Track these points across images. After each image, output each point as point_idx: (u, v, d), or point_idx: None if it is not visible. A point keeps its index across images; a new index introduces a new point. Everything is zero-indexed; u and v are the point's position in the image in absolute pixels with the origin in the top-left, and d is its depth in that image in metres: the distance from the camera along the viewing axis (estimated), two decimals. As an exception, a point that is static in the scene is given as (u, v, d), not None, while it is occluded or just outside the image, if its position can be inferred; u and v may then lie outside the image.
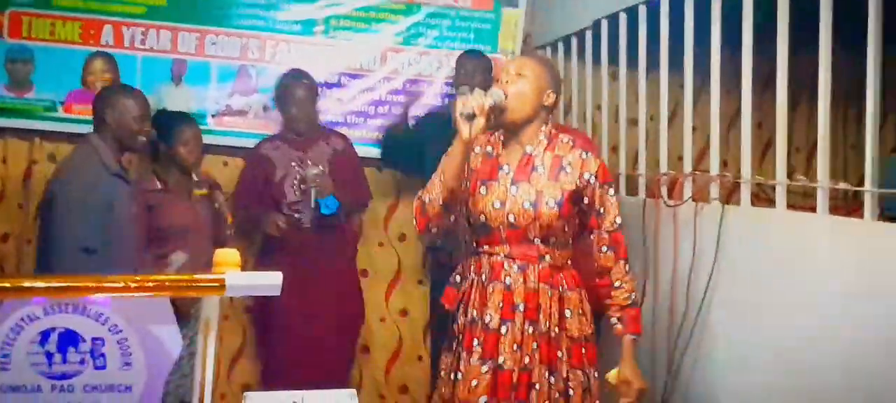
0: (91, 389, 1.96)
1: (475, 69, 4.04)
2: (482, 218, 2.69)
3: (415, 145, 4.10)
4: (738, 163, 3.09)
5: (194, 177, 3.89)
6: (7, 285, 1.92)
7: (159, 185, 3.73)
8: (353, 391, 2.39)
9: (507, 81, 2.65)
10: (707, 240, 3.07)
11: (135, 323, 1.99)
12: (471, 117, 2.49)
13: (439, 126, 3.96)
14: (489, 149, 2.76)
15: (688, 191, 3.27)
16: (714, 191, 3.15)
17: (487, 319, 2.66)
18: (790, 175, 2.81)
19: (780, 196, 2.80)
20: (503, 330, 2.64)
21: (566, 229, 2.70)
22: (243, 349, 4.51)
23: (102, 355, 1.96)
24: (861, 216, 2.54)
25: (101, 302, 1.96)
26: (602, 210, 2.67)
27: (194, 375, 2.09)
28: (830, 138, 2.58)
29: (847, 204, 3.29)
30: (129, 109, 3.40)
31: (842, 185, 2.60)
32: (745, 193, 3.00)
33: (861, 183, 2.61)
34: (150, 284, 1.96)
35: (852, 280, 2.42)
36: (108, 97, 3.45)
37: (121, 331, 1.97)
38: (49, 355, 1.94)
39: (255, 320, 4.29)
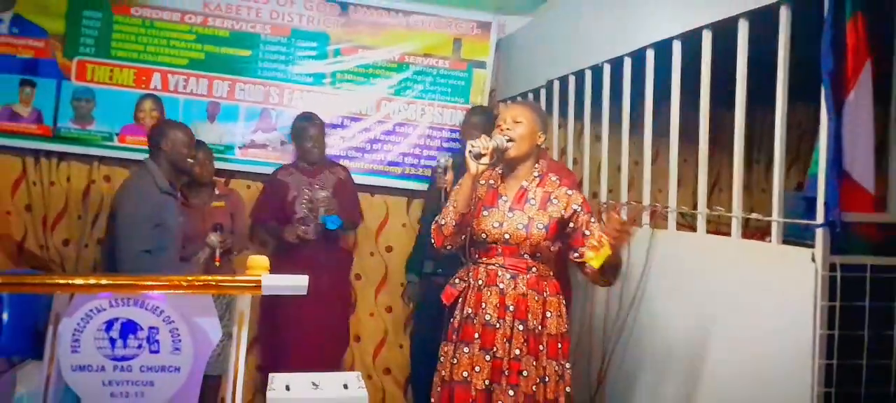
0: (146, 369, 1.90)
1: (483, 120, 3.94)
2: (483, 235, 2.70)
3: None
4: (657, 197, 3.07)
5: (216, 191, 3.92)
6: (79, 282, 1.84)
7: (182, 199, 3.74)
8: (359, 373, 2.34)
9: (508, 128, 2.67)
10: (638, 257, 3.03)
11: (184, 315, 1.92)
12: (478, 157, 2.54)
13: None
14: (491, 181, 2.77)
15: (624, 216, 3.23)
16: (645, 217, 3.11)
17: (487, 317, 2.63)
18: (711, 208, 2.79)
19: (701, 222, 2.78)
20: (498, 325, 2.61)
21: (550, 248, 2.70)
22: (257, 337, 4.39)
23: (157, 341, 1.90)
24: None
25: (156, 297, 1.89)
26: (587, 232, 2.65)
27: (229, 355, 2.04)
28: (746, 180, 2.57)
29: (753, 235, 3.29)
30: (180, 139, 3.45)
31: (753, 215, 2.56)
32: (671, 220, 2.97)
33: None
34: (198, 283, 1.90)
35: (760, 291, 2.39)
36: (163, 129, 3.49)
37: (173, 322, 1.90)
38: (112, 341, 1.88)
39: (265, 313, 4.18)
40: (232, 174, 4.36)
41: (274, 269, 3.89)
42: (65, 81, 4.12)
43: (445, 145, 4.55)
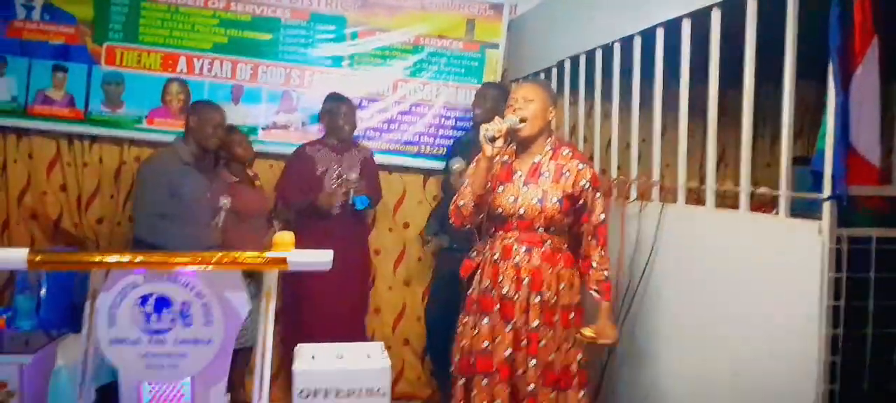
0: (180, 342, 1.92)
1: (497, 97, 3.97)
2: (499, 210, 2.70)
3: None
4: (676, 171, 3.04)
5: (250, 172, 3.92)
6: (117, 259, 1.85)
7: (235, 178, 3.82)
8: (382, 344, 2.35)
9: (520, 107, 2.65)
10: (648, 232, 3.02)
11: (214, 290, 1.93)
12: (492, 139, 2.53)
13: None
14: (506, 158, 2.77)
15: (634, 193, 3.22)
16: (655, 192, 3.10)
17: (505, 290, 2.64)
18: (716, 181, 2.77)
19: (710, 197, 2.75)
20: (516, 298, 2.62)
21: (564, 221, 2.68)
22: (282, 310, 4.41)
23: (189, 315, 1.91)
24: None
25: (188, 273, 1.90)
26: (591, 209, 2.66)
27: (257, 328, 2.05)
28: (751, 154, 2.55)
29: (762, 208, 3.26)
30: (206, 118, 3.58)
31: (762, 189, 2.54)
32: (681, 195, 2.95)
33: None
34: (227, 260, 1.90)
35: (767, 263, 2.37)
36: (195, 107, 3.68)
37: (204, 297, 1.91)
38: (147, 315, 1.89)
39: (289, 287, 4.20)
40: (255, 154, 4.35)
41: (298, 245, 3.97)
42: (95, 66, 4.12)
43: (460, 124, 4.54)
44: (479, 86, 4.36)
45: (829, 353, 2.14)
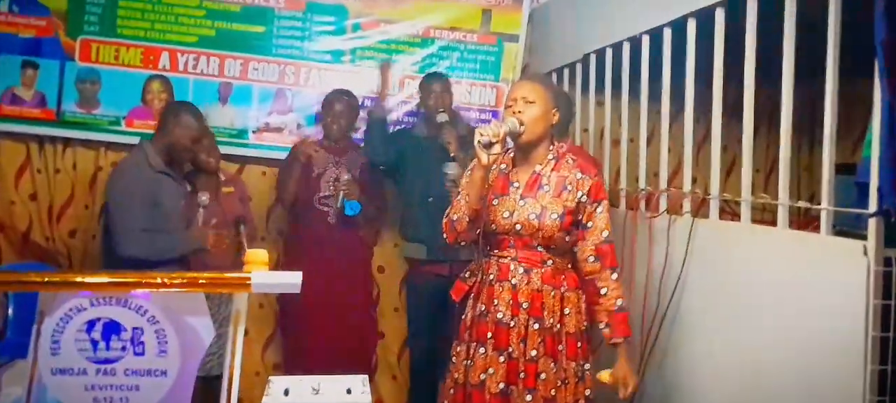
0: (131, 373, 1.90)
1: (444, 91, 4.02)
2: (493, 226, 2.65)
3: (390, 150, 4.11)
4: (706, 181, 3.00)
5: (221, 177, 3.94)
6: (57, 279, 1.85)
7: (188, 188, 3.78)
8: (366, 377, 2.33)
9: (520, 111, 2.60)
10: (678, 249, 2.98)
11: (171, 314, 1.92)
12: (488, 146, 2.46)
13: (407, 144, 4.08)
14: (503, 166, 2.73)
15: (663, 205, 3.18)
16: (686, 205, 3.05)
17: (499, 315, 2.62)
18: (752, 193, 2.72)
19: (745, 211, 2.71)
20: (512, 324, 2.58)
21: (566, 239, 2.65)
22: (276, 332, 4.44)
23: (141, 343, 1.90)
24: (812, 230, 2.47)
25: (141, 295, 1.89)
26: (589, 224, 2.63)
27: (225, 354, 2.04)
28: (800, 161, 2.50)
29: (799, 220, 3.20)
30: (189, 126, 3.53)
31: (801, 203, 2.49)
32: (714, 208, 2.91)
33: (811, 201, 2.53)
34: (185, 280, 1.89)
35: (808, 286, 2.32)
36: (172, 108, 3.61)
37: (158, 322, 1.90)
38: (94, 342, 1.88)
39: (283, 307, 4.21)
40: (245, 160, 4.39)
41: (289, 258, 3.99)
42: (68, 62, 4.18)
43: (473, 127, 4.49)
44: (498, 84, 4.35)
45: (876, 392, 2.08)
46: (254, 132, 4.38)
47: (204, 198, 3.59)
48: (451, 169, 3.48)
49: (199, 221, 3.61)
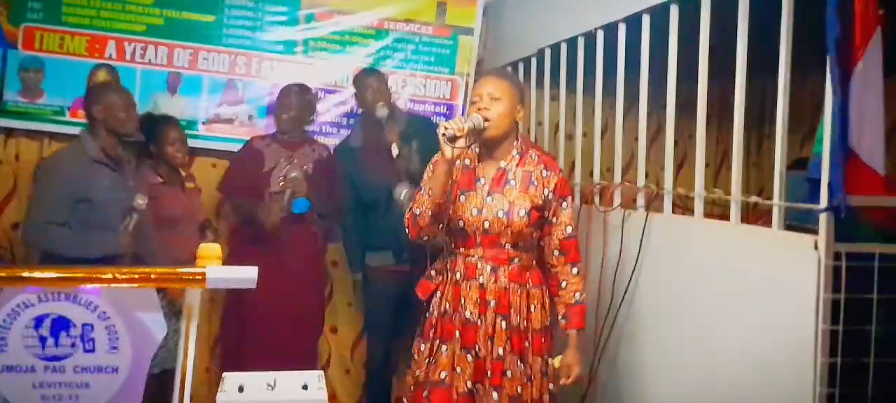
0: (81, 370, 1.87)
1: (381, 85, 4.00)
2: (461, 223, 2.66)
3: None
4: (658, 175, 3.04)
5: (183, 173, 3.86)
6: (3, 275, 1.81)
7: (160, 179, 3.69)
8: (321, 372, 2.31)
9: (485, 107, 2.61)
10: (632, 242, 3.02)
11: (122, 310, 1.89)
12: (452, 139, 2.47)
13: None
14: (467, 162, 2.72)
15: (617, 200, 3.21)
16: (640, 199, 3.09)
17: (467, 314, 2.62)
18: (704, 188, 2.77)
19: (699, 206, 2.75)
20: (479, 322, 2.59)
21: (533, 235, 2.68)
22: (221, 330, 4.37)
23: (92, 339, 1.87)
24: (763, 225, 2.52)
25: (91, 291, 1.86)
26: (555, 219, 2.67)
27: (178, 351, 2.01)
28: (754, 157, 2.55)
29: (750, 215, 3.27)
30: (115, 102, 3.37)
31: (753, 198, 2.54)
32: (667, 202, 2.95)
33: (760, 195, 2.59)
34: (136, 276, 1.86)
35: (760, 280, 2.37)
36: (94, 95, 3.42)
37: (109, 318, 1.87)
38: (42, 339, 1.85)
39: (230, 302, 4.14)
40: (195, 151, 4.30)
41: (237, 251, 3.93)
42: (11, 50, 4.06)
43: (412, 118, 4.49)
44: (453, 76, 4.35)
45: (826, 384, 2.13)
46: (204, 123, 4.31)
47: (140, 201, 3.44)
48: (402, 193, 3.49)
49: (130, 225, 3.43)
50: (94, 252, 3.26)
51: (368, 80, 3.99)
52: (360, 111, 4.16)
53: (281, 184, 3.88)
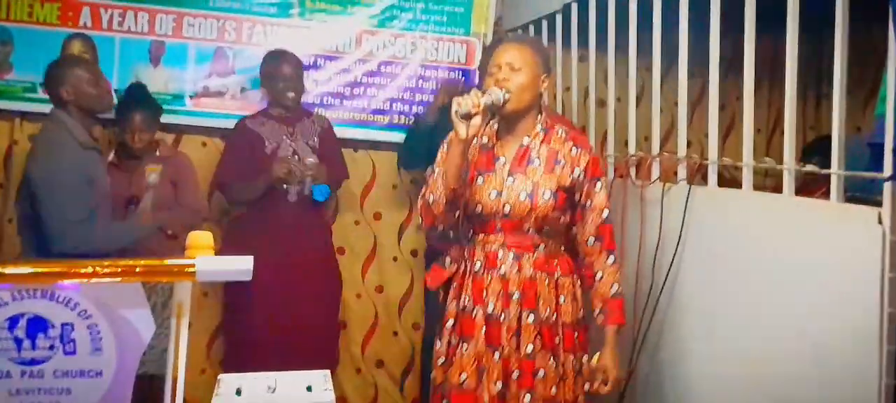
0: (61, 375, 1.89)
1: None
2: (478, 208, 2.65)
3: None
4: (701, 144, 3.04)
5: (156, 152, 3.90)
6: (-28, 271, 1.83)
7: (113, 158, 3.75)
8: (328, 372, 2.33)
9: (504, 77, 2.59)
10: (674, 220, 3.02)
11: (105, 307, 1.91)
12: (467, 117, 2.44)
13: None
14: (485, 139, 2.71)
15: (656, 172, 3.21)
16: (681, 171, 3.09)
17: (490, 309, 2.62)
18: (754, 156, 2.76)
19: (747, 177, 2.74)
20: (502, 318, 2.60)
21: (560, 220, 2.67)
22: (223, 325, 4.42)
23: (72, 340, 1.89)
24: (822, 197, 2.51)
25: (70, 287, 1.88)
26: (589, 203, 2.67)
27: (168, 352, 2.03)
28: (810, 120, 2.54)
29: (807, 186, 3.26)
30: (82, 79, 3.38)
31: (808, 167, 2.53)
32: (712, 174, 2.95)
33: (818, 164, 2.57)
34: (120, 269, 1.88)
35: (817, 258, 2.36)
36: (55, 73, 3.42)
37: (90, 316, 1.89)
38: (18, 341, 1.87)
39: (231, 294, 4.18)
40: (182, 129, 4.34)
41: (242, 242, 3.96)
42: (-26, 21, 4.09)
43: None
44: (468, 38, 4.35)
45: (892, 375, 2.14)
46: (191, 97, 4.32)
47: (153, 176, 3.50)
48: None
49: (148, 204, 3.52)
50: (125, 241, 3.39)
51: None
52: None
53: (293, 164, 3.91)
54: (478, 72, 4.25)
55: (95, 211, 3.33)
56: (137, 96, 3.85)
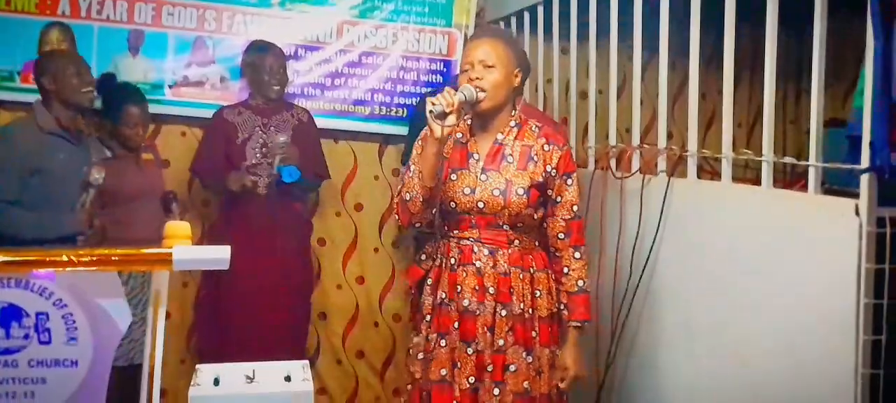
0: (36, 364, 1.89)
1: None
2: (452, 204, 2.65)
3: None
4: (682, 136, 3.04)
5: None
6: (-55, 259, 1.82)
7: (108, 154, 3.70)
8: (306, 362, 2.33)
9: (478, 77, 2.59)
10: (653, 212, 3.03)
11: (81, 296, 1.90)
12: (442, 116, 2.45)
13: None
14: (459, 135, 2.71)
15: (636, 164, 3.22)
16: (661, 163, 3.09)
17: (465, 303, 2.63)
18: (733, 149, 2.77)
19: (726, 169, 2.75)
20: (478, 312, 2.61)
21: (534, 216, 2.67)
22: (197, 316, 4.40)
23: (47, 330, 1.88)
24: (800, 189, 2.53)
25: (44, 276, 1.87)
26: (559, 198, 2.68)
27: (145, 340, 2.03)
28: (790, 114, 2.56)
29: (785, 178, 3.27)
30: (65, 69, 3.42)
31: (786, 159, 2.54)
32: (692, 166, 2.95)
33: (798, 157, 2.59)
34: (95, 258, 1.87)
35: (795, 249, 2.38)
36: (44, 65, 3.48)
37: (65, 306, 1.88)
38: (-8, 330, 1.86)
39: (207, 287, 4.17)
40: (162, 118, 4.31)
41: (216, 234, 3.96)
42: (-50, 9, 4.04)
43: (424, 78, 4.51)
44: (449, 29, 4.35)
45: (869, 364, 2.15)
46: (170, 87, 4.29)
47: (97, 175, 3.45)
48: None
49: (87, 202, 3.47)
50: (51, 232, 3.30)
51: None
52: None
53: (263, 151, 3.92)
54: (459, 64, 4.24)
55: (43, 199, 3.34)
56: (130, 91, 3.84)
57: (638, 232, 3.10)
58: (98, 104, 3.72)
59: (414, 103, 4.45)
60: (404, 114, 4.48)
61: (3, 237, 3.28)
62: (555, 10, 3.90)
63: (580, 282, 2.68)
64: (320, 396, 4.49)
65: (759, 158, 2.59)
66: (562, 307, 2.70)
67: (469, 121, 2.73)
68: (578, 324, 2.68)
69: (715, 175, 2.95)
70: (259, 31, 4.25)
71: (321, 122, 4.34)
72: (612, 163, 3.39)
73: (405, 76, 4.53)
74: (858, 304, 2.14)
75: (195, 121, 4.30)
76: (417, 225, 2.72)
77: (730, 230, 2.69)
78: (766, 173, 2.56)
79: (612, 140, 3.48)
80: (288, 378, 2.21)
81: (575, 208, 2.69)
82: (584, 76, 3.85)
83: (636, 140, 3.29)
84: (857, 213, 2.15)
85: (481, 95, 2.57)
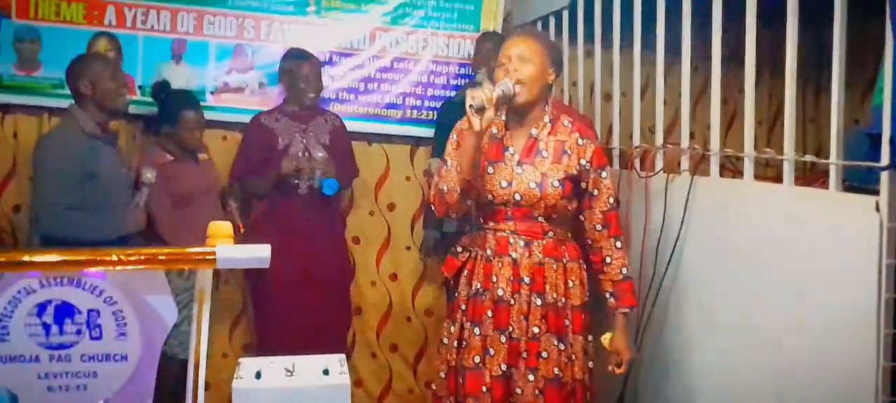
0: (88, 359, 1.91)
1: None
2: (489, 196, 2.66)
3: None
4: (704, 135, 3.02)
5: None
6: (3, 259, 1.84)
7: (170, 157, 3.77)
8: (343, 356, 2.34)
9: (514, 69, 2.60)
10: (676, 209, 3.01)
11: (130, 294, 1.92)
12: (480, 110, 2.46)
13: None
14: (494, 130, 2.73)
15: (659, 163, 3.20)
16: (684, 162, 3.07)
17: (499, 292, 2.64)
18: (755, 147, 2.75)
19: (748, 167, 2.73)
20: (512, 301, 2.61)
21: (568, 207, 2.69)
22: (243, 311, 4.44)
23: (98, 326, 1.90)
24: (821, 187, 2.50)
25: (95, 274, 1.89)
26: (595, 192, 2.69)
27: (191, 337, 2.05)
28: (810, 112, 2.53)
29: (805, 176, 3.24)
30: (101, 74, 3.44)
31: (807, 157, 2.51)
32: (714, 164, 2.93)
33: (818, 155, 2.56)
34: (143, 257, 1.89)
35: (816, 246, 2.35)
36: (77, 69, 3.48)
37: (115, 303, 1.90)
38: (46, 326, 1.88)
39: (252, 282, 4.20)
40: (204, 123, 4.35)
41: (255, 234, 3.98)
42: (4, 19, 4.09)
43: (453, 82, 4.51)
44: (477, 34, 4.35)
45: (889, 357, 2.12)
46: (212, 93, 4.33)
47: (149, 175, 3.51)
48: (437, 163, 3.51)
49: (141, 202, 3.52)
50: (111, 233, 3.36)
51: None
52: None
53: (304, 160, 3.96)
54: (472, 66, 4.26)
55: (97, 204, 3.36)
56: (186, 97, 3.93)
57: (662, 230, 3.08)
58: (132, 109, 3.80)
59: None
60: (435, 117, 4.47)
61: (66, 240, 3.29)
62: (579, 14, 3.89)
63: (624, 270, 2.71)
64: (356, 388, 4.52)
65: (781, 157, 2.57)
66: (607, 295, 2.71)
67: (504, 118, 2.73)
68: (626, 310, 2.71)
69: (737, 173, 2.92)
70: (296, 39, 4.28)
71: (355, 126, 4.39)
72: (637, 162, 3.37)
73: (435, 80, 4.55)
74: (879, 299, 2.12)
75: (235, 127, 4.33)
76: (452, 215, 2.75)
77: (752, 227, 2.67)
78: (788, 171, 2.53)
79: (636, 140, 3.47)
80: (326, 372, 2.23)
81: (611, 200, 2.71)
82: (607, 79, 3.83)
83: (659, 140, 3.27)
84: (878, 210, 2.13)
85: (518, 88, 2.58)
